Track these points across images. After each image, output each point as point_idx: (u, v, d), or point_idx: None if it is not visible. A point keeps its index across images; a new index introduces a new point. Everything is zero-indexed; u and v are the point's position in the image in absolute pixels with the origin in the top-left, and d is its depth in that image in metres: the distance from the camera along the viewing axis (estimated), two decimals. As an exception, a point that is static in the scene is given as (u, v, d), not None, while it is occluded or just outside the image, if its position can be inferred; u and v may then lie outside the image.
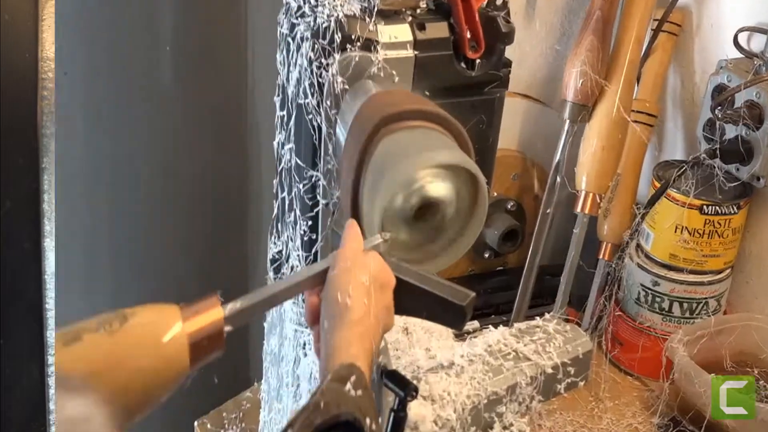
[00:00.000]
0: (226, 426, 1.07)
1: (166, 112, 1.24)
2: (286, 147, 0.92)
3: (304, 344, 0.94)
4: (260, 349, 1.01)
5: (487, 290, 1.36)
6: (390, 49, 0.92)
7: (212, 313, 0.62)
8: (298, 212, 0.93)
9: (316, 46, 0.87)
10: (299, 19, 0.89)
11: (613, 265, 1.29)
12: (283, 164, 0.94)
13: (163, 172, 1.27)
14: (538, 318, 1.09)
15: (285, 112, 0.92)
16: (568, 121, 1.26)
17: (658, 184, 1.24)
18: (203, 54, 1.25)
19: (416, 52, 0.94)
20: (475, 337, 1.05)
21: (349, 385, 0.67)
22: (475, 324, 1.22)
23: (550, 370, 1.02)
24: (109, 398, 0.54)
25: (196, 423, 1.08)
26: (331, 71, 0.87)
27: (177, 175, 1.27)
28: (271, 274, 0.96)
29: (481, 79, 0.99)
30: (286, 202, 0.95)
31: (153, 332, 0.59)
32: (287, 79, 0.90)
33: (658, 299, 1.25)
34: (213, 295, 0.64)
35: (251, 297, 0.70)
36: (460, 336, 1.07)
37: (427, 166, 0.83)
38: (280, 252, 0.96)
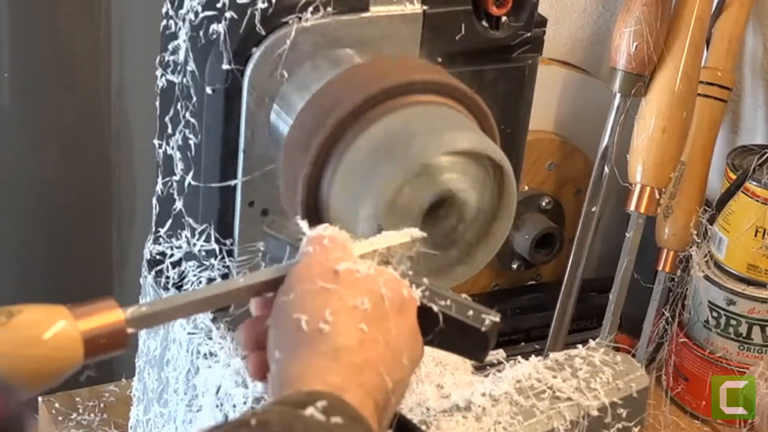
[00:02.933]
0: (81, 411, 1.23)
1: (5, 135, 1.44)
2: (191, 141, 0.96)
3: (208, 354, 0.98)
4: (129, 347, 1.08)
5: (515, 311, 1.36)
6: (386, 3, 0.92)
7: (110, 315, 0.73)
8: (200, 211, 0.97)
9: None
10: None
11: (676, 279, 1.29)
12: (176, 159, 0.98)
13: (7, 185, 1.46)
14: (580, 346, 1.09)
15: (181, 103, 0.96)
16: (618, 96, 1.26)
17: (733, 176, 1.24)
18: (52, 72, 1.43)
19: (425, 8, 0.94)
20: (500, 370, 1.05)
21: (312, 410, 0.66)
22: (501, 354, 1.22)
23: (595, 413, 1.02)
24: None
25: (40, 399, 1.24)
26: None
27: (23, 184, 1.47)
28: (150, 277, 1.02)
29: (507, 42, 0.99)
30: (177, 201, 0.99)
31: (39, 328, 0.69)
32: (186, 63, 0.94)
33: (733, 322, 1.25)
34: (108, 298, 0.74)
35: (158, 303, 0.77)
36: (481, 369, 1.07)
37: (443, 153, 0.83)
38: (162, 253, 1.01)
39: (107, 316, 0.73)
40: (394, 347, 0.74)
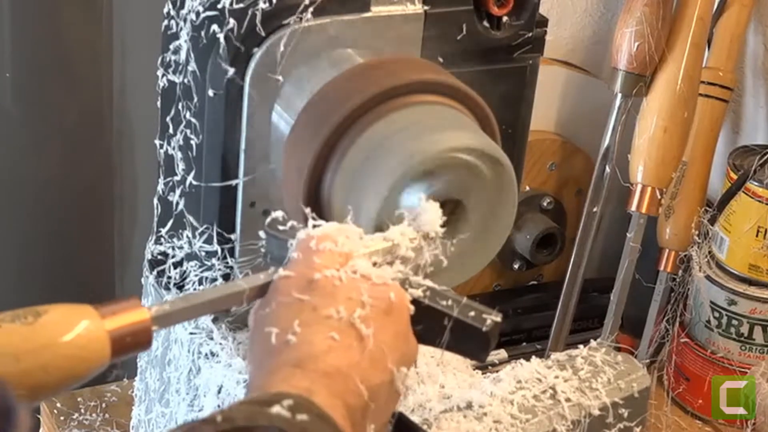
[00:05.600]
0: (83, 411, 1.24)
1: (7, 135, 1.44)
2: (193, 141, 0.96)
3: (210, 354, 0.98)
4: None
5: (516, 311, 1.36)
6: (387, 3, 0.92)
7: (135, 314, 0.73)
8: (201, 211, 0.97)
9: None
10: None
11: (678, 279, 1.29)
12: (177, 159, 0.99)
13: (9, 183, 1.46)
14: (581, 346, 1.09)
15: (183, 103, 0.96)
16: (619, 96, 1.26)
17: (734, 176, 1.24)
18: (53, 72, 1.43)
19: (426, 8, 0.94)
20: (500, 370, 1.05)
21: (278, 407, 0.66)
22: (502, 354, 1.22)
23: (597, 413, 1.02)
24: (18, 380, 0.68)
25: None
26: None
27: (24, 184, 1.48)
28: (151, 277, 1.03)
29: (508, 42, 0.99)
30: (179, 201, 0.99)
31: (66, 327, 0.70)
32: (187, 63, 0.94)
33: (734, 322, 1.25)
34: (132, 297, 0.75)
35: (180, 301, 0.77)
36: (482, 369, 1.07)
37: (444, 152, 0.83)
38: (164, 253, 1.02)
39: (133, 314, 0.73)
40: (373, 352, 0.74)
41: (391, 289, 0.77)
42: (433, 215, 0.83)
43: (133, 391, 1.15)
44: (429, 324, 0.79)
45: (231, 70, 0.90)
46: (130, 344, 0.73)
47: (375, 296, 0.75)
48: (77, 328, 0.70)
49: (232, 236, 0.97)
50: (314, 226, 0.79)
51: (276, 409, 0.66)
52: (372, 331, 0.74)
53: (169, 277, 1.02)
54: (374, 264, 0.79)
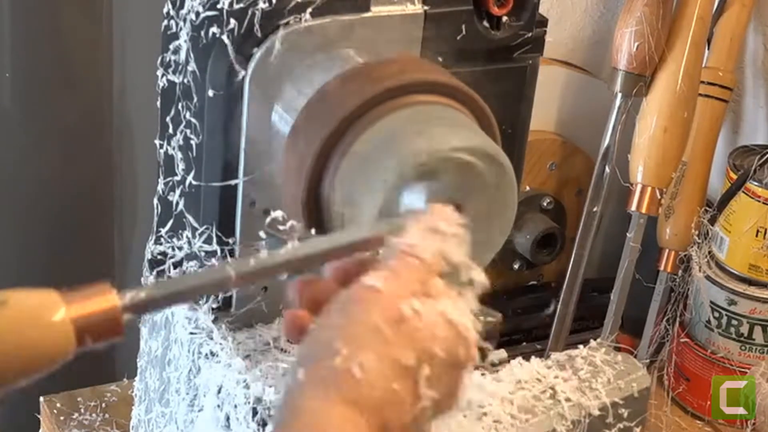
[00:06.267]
0: (83, 411, 1.24)
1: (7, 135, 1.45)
2: (193, 141, 0.96)
3: (210, 354, 0.97)
4: (131, 347, 1.09)
5: (516, 311, 1.36)
6: (387, 3, 0.92)
7: (103, 300, 0.70)
8: (201, 211, 0.97)
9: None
10: None
11: (678, 279, 1.29)
12: (177, 159, 0.98)
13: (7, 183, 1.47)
14: (581, 346, 1.09)
15: (182, 103, 0.96)
16: (619, 96, 1.26)
17: (734, 176, 1.24)
18: (53, 72, 1.43)
19: (426, 8, 0.94)
20: (500, 370, 1.05)
21: None
22: (502, 354, 1.22)
23: (596, 413, 1.02)
24: None
25: (42, 398, 1.25)
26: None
27: (24, 184, 1.48)
28: (151, 277, 1.03)
29: (508, 42, 0.99)
30: (179, 201, 0.99)
31: (30, 314, 0.68)
32: (187, 63, 0.94)
33: (734, 322, 1.25)
34: (103, 283, 0.71)
35: (157, 288, 0.73)
36: (482, 369, 1.07)
37: (443, 152, 0.83)
38: (163, 253, 1.01)
39: (100, 301, 0.70)
40: (421, 410, 0.69)
41: (462, 344, 0.71)
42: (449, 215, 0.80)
43: (133, 391, 1.15)
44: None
45: (231, 70, 0.90)
46: (98, 333, 0.69)
47: (446, 351, 0.70)
48: (41, 316, 0.68)
49: (232, 236, 0.97)
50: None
51: None
52: (430, 394, 0.69)
53: (169, 277, 1.02)
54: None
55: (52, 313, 0.68)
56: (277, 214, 0.81)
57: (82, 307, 0.69)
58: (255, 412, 0.93)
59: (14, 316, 0.67)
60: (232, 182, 0.94)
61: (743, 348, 1.25)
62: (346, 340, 0.68)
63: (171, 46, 0.95)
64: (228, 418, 0.96)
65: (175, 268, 1.01)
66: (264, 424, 0.93)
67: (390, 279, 0.70)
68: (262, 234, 0.81)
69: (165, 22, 0.96)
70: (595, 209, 1.29)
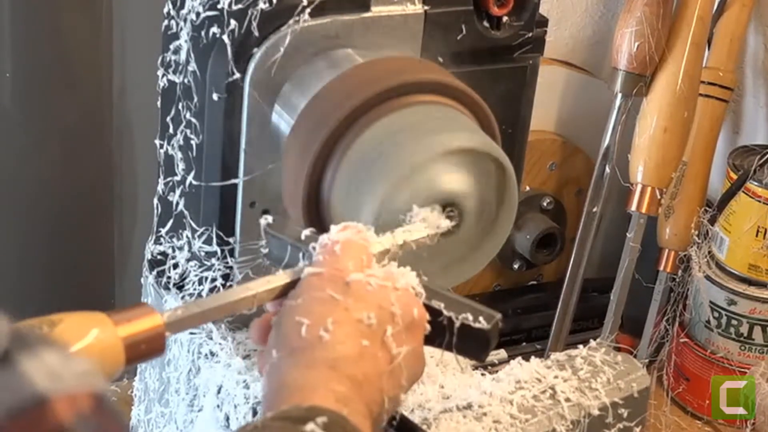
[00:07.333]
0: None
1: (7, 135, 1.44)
2: (193, 141, 0.96)
3: (209, 354, 0.98)
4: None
5: (516, 310, 1.36)
6: (387, 3, 0.92)
7: (148, 320, 0.74)
8: (201, 211, 0.97)
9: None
10: None
11: (678, 279, 1.29)
12: (177, 159, 0.99)
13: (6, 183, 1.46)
14: (581, 346, 1.09)
15: (183, 103, 0.96)
16: (620, 96, 1.26)
17: (734, 176, 1.24)
18: (53, 72, 1.42)
19: (426, 8, 0.94)
20: (500, 370, 1.05)
21: (312, 425, 0.66)
22: (502, 354, 1.22)
23: (596, 413, 1.02)
24: None
25: None
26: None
27: (24, 184, 1.47)
28: (151, 277, 1.04)
29: (508, 42, 0.99)
30: (179, 201, 0.99)
31: (80, 336, 0.70)
32: (187, 63, 0.94)
33: (734, 322, 1.25)
34: (144, 304, 0.75)
35: (192, 306, 0.77)
36: (482, 369, 1.07)
37: (441, 153, 0.83)
38: (163, 254, 1.02)
39: (146, 321, 0.74)
40: (395, 367, 0.75)
41: (414, 304, 0.77)
42: (434, 216, 0.83)
43: (132, 391, 1.15)
44: (429, 324, 0.79)
45: (231, 71, 0.90)
46: (144, 351, 0.73)
47: (402, 308, 0.76)
48: (90, 336, 0.71)
49: (232, 236, 0.97)
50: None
51: (311, 427, 0.67)
52: (399, 349, 0.75)
53: (169, 277, 1.02)
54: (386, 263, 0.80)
55: (103, 334, 0.71)
56: (269, 218, 0.82)
57: (130, 326, 0.73)
58: (255, 412, 0.93)
59: (67, 338, 0.70)
60: (233, 182, 0.95)
61: (743, 348, 1.25)
62: (307, 315, 0.74)
63: (171, 46, 0.95)
64: (228, 418, 0.96)
65: (174, 267, 1.01)
66: None
67: (327, 262, 0.76)
68: (262, 234, 0.82)
69: (165, 22, 0.96)
70: (595, 209, 1.29)
